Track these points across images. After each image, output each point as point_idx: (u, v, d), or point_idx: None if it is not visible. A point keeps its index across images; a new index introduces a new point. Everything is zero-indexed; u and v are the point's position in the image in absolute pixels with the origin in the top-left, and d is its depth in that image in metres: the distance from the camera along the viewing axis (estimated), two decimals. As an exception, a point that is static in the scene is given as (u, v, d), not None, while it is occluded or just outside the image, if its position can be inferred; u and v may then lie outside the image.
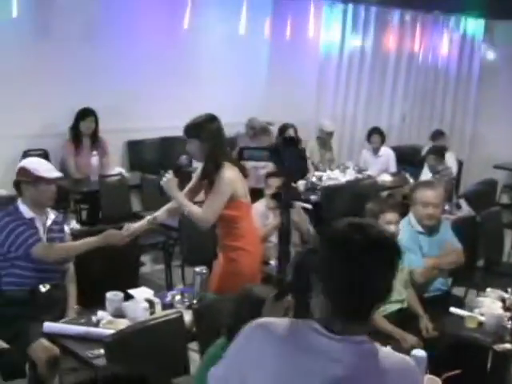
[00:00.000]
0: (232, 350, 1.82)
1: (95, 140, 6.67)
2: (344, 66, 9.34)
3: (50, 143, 6.62)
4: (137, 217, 5.94)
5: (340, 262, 1.68)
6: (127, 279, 4.16)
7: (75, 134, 6.58)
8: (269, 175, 5.18)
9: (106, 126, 6.79)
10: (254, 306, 2.62)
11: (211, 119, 3.89)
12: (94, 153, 6.43)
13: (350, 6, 9.13)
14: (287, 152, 3.12)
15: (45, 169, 3.77)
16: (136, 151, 7.58)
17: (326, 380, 1.64)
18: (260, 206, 5.05)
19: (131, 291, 3.71)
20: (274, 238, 4.50)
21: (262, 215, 4.98)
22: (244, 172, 4.02)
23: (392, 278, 1.72)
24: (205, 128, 3.81)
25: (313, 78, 9.15)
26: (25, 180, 3.73)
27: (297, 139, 3.49)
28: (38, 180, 3.70)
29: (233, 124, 7.77)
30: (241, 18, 7.99)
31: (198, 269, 3.80)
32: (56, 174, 3.85)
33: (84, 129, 6.56)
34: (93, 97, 6.67)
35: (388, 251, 1.72)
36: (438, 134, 8.31)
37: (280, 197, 3.16)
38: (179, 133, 7.09)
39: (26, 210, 3.76)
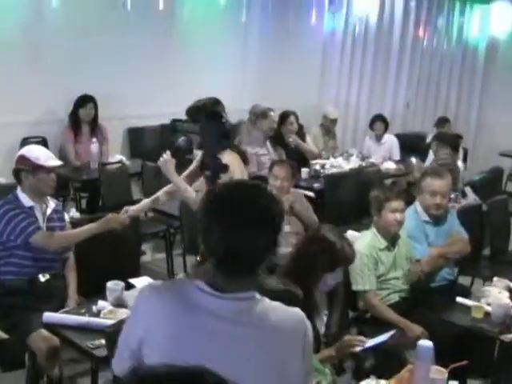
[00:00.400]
0: (130, 314, 1.92)
1: (95, 127, 6.60)
2: (347, 52, 9.26)
3: (49, 130, 6.58)
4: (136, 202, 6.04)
5: (212, 222, 1.77)
6: (128, 268, 4.10)
7: (74, 121, 6.51)
8: (273, 164, 5.10)
9: (106, 113, 6.74)
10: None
11: (215, 102, 3.80)
12: (94, 140, 6.37)
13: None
14: (209, 126, 3.36)
15: (45, 157, 3.71)
16: (136, 138, 7.52)
17: (210, 335, 1.72)
18: None
19: (132, 280, 3.66)
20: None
21: None
22: (244, 158, 3.94)
23: (268, 235, 1.75)
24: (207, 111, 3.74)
25: (316, 64, 9.08)
26: (24, 168, 3.67)
27: (220, 116, 3.57)
28: (38, 168, 3.64)
29: (235, 111, 7.91)
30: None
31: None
32: (56, 162, 3.79)
33: (83, 115, 6.49)
34: (92, 83, 6.60)
35: (260, 211, 1.76)
36: (442, 121, 8.21)
37: (207, 168, 3.30)
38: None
39: (25, 199, 3.69)
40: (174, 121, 3.50)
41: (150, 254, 6.20)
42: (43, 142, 6.19)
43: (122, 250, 4.13)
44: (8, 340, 3.50)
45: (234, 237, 1.73)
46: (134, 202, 5.70)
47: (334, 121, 7.99)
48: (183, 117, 3.85)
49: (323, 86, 9.19)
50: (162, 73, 7.42)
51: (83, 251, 3.90)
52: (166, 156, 3.75)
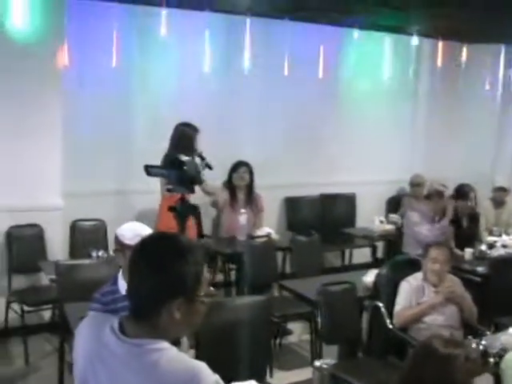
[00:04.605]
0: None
1: (250, 195, 6.39)
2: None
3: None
4: (285, 277, 5.87)
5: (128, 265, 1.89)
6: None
7: (229, 188, 6.38)
8: (429, 246, 4.62)
9: (263, 182, 6.56)
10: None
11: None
12: (242, 211, 6.17)
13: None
14: (173, 172, 3.60)
15: (131, 236, 3.34)
16: (293, 208, 7.35)
17: (109, 373, 1.81)
18: (413, 280, 4.49)
19: None
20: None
21: (416, 290, 4.43)
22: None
23: (157, 282, 1.78)
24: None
25: (490, 131, 8.43)
26: (117, 248, 3.43)
27: (182, 163, 3.67)
28: (125, 248, 3.30)
29: (396, 181, 7.75)
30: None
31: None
32: None
33: (236, 180, 6.34)
34: (247, 150, 6.59)
35: (150, 257, 1.83)
36: None
37: (175, 210, 3.53)
38: (339, 190, 7.47)
39: (123, 285, 3.36)
40: (147, 166, 3.68)
41: (296, 335, 5.88)
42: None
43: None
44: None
45: (129, 282, 1.87)
46: (280, 275, 5.79)
47: (507, 191, 7.28)
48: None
49: (499, 154, 8.46)
50: (322, 140, 7.34)
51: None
52: None
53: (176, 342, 1.87)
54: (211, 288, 2.62)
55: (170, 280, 1.78)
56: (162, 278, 1.78)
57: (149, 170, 3.72)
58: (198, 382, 1.75)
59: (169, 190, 3.75)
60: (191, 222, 4.47)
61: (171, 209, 3.62)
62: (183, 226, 3.54)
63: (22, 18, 5.20)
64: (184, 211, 3.54)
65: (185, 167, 3.61)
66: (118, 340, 1.80)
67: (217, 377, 1.81)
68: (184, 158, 3.75)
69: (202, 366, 1.81)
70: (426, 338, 2.45)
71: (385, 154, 7.73)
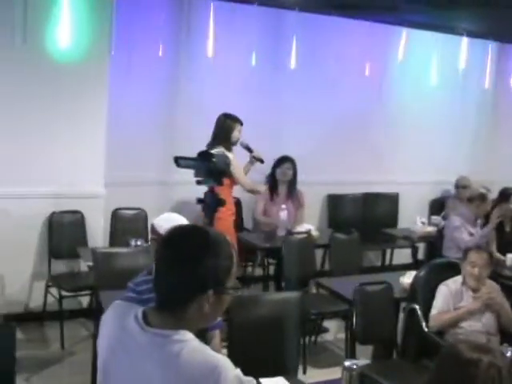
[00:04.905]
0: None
1: (292, 190, 6.38)
2: None
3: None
4: (323, 274, 5.85)
5: (155, 256, 1.90)
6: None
7: (272, 182, 6.38)
8: (468, 250, 4.51)
9: (306, 178, 6.57)
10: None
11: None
12: (283, 206, 6.17)
13: None
14: (202, 165, 3.54)
15: (167, 226, 3.10)
16: (336, 206, 7.31)
17: (130, 360, 1.83)
18: (452, 283, 4.39)
19: (264, 380, 3.21)
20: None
21: (454, 294, 4.33)
22: None
23: (185, 274, 1.78)
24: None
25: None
26: (153, 237, 3.40)
27: (211, 155, 3.72)
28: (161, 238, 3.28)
29: (440, 182, 7.65)
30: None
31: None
32: None
33: (279, 175, 6.33)
34: (291, 145, 6.56)
35: (180, 249, 1.81)
36: None
37: (204, 202, 3.55)
38: (382, 189, 7.43)
39: None
40: (177, 158, 3.62)
41: (332, 333, 5.82)
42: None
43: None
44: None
45: (157, 273, 1.84)
46: (318, 273, 5.73)
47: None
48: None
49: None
50: (369, 139, 7.27)
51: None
52: None
53: (199, 334, 1.86)
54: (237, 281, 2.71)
55: (202, 272, 1.78)
56: (193, 271, 1.77)
57: (178, 161, 3.67)
58: (218, 375, 1.74)
59: (198, 183, 3.72)
60: (224, 214, 4.63)
61: (200, 201, 3.66)
62: (212, 218, 3.52)
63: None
64: (213, 204, 3.52)
65: (214, 159, 3.60)
66: (141, 329, 1.81)
67: (238, 371, 1.80)
68: (214, 150, 3.70)
69: (224, 359, 1.80)
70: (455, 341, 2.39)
71: (430, 154, 7.62)
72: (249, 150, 5.81)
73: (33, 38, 5.23)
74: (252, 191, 5.76)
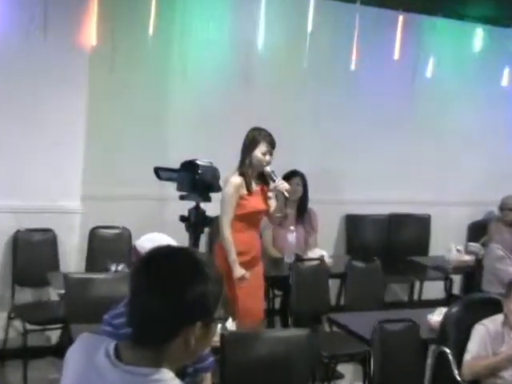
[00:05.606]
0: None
1: (302, 209, 5.84)
2: None
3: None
4: (339, 309, 5.50)
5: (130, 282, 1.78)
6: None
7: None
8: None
9: (320, 196, 6.09)
10: None
11: None
12: (292, 228, 5.52)
13: None
14: (185, 176, 3.54)
15: (150, 247, 2.96)
16: (355, 228, 6.79)
17: None
18: (491, 323, 3.98)
19: None
20: None
21: (493, 337, 3.93)
22: None
23: (168, 307, 1.62)
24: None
25: None
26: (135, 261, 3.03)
27: (196, 166, 3.58)
28: None
29: (481, 203, 7.16)
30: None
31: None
32: None
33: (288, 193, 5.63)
34: (302, 158, 6.15)
35: (160, 275, 1.65)
36: None
37: (188, 219, 3.50)
38: (411, 210, 6.85)
39: None
40: (157, 168, 3.70)
41: (348, 379, 5.23)
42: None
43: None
44: None
45: (133, 303, 1.69)
46: (333, 310, 5.28)
47: None
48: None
49: None
50: (395, 150, 6.77)
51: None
52: None
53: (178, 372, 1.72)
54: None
55: (190, 301, 1.63)
56: (179, 300, 1.63)
57: (159, 172, 3.68)
58: None
59: (181, 198, 3.60)
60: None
61: (183, 219, 3.54)
62: (196, 239, 3.47)
63: None
64: (198, 222, 3.45)
65: (199, 170, 3.52)
66: (111, 365, 1.68)
67: None
68: (200, 161, 3.60)
69: None
70: None
71: (469, 169, 7.02)
72: (271, 177, 4.55)
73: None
74: (223, 239, 4.48)
